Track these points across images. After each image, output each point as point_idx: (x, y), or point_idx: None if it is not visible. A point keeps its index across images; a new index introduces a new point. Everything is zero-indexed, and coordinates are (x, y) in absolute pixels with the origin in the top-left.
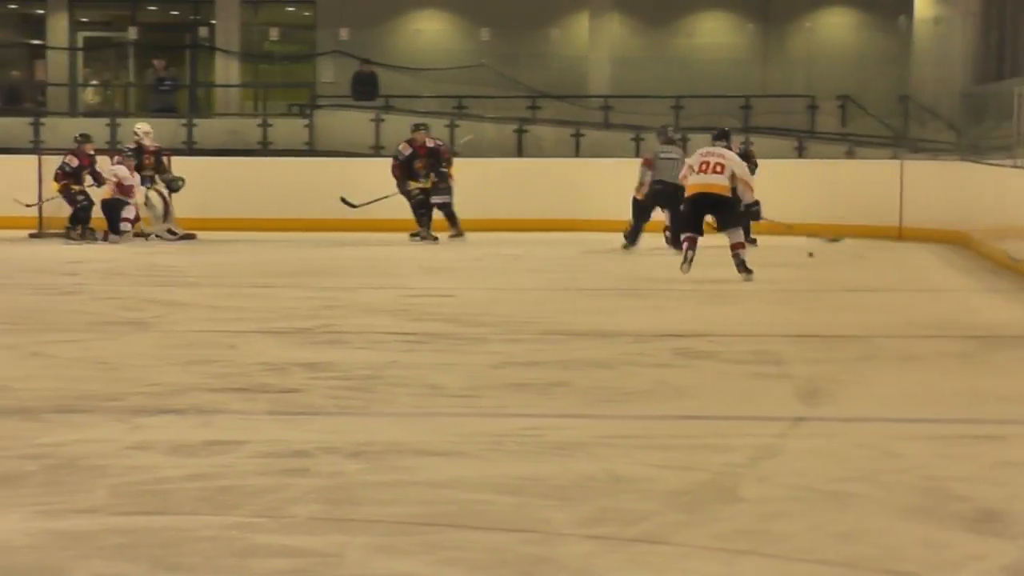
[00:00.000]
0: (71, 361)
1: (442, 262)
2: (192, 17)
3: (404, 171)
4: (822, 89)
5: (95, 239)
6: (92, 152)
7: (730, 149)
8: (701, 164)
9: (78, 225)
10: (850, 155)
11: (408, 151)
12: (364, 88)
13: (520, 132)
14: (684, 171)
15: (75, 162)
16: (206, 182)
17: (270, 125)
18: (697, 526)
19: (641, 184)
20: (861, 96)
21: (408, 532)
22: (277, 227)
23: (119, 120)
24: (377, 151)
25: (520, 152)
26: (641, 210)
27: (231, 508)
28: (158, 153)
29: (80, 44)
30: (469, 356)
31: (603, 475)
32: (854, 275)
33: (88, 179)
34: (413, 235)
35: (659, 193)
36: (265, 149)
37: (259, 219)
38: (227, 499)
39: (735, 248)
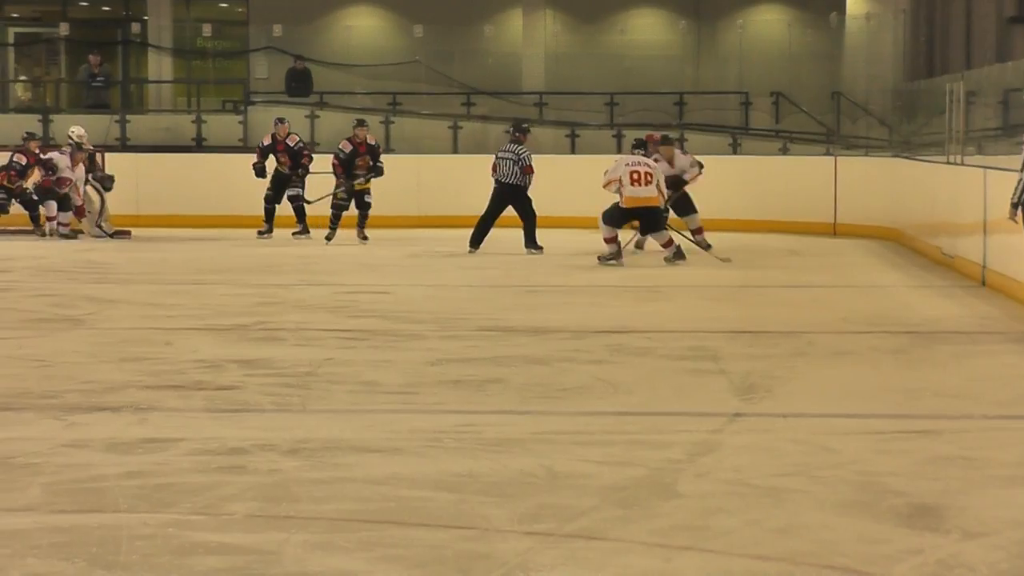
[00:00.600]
0: (4, 359)
1: (378, 259)
2: (124, 13)
3: (346, 168)
4: (755, 86)
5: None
6: (37, 150)
7: (647, 156)
8: (632, 175)
9: None
10: (784, 151)
11: (349, 148)
12: (298, 84)
13: (455, 129)
14: (610, 180)
15: (24, 160)
16: (140, 179)
17: (204, 121)
18: (635, 522)
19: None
20: (794, 93)
21: (346, 529)
22: (212, 223)
23: (51, 116)
24: (312, 147)
25: (455, 149)
26: (488, 211)
27: (168, 506)
28: (91, 155)
29: (10, 40)
30: (405, 353)
31: (540, 471)
32: (788, 271)
33: (36, 174)
34: (296, 233)
35: (496, 192)
36: (199, 145)
37: (193, 215)
38: (164, 497)
39: (667, 245)
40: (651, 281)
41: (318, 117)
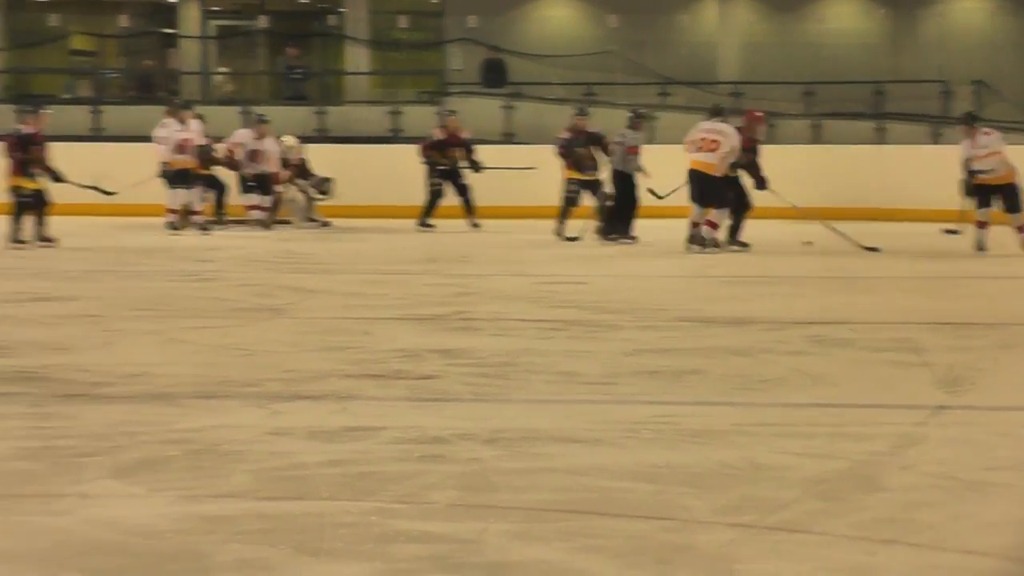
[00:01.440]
0: (209, 347)
1: (573, 249)
2: (321, 5)
3: (572, 158)
4: (955, 74)
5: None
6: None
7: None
8: (701, 139)
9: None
10: None
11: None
12: (493, 75)
13: (650, 119)
14: (689, 140)
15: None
16: (337, 169)
17: (399, 113)
18: (838, 515)
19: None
20: (996, 81)
21: (546, 519)
22: (408, 214)
23: (251, 108)
24: (507, 138)
25: (651, 139)
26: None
27: (370, 494)
28: (302, 162)
29: (212, 33)
30: (603, 343)
31: (741, 463)
32: (991, 262)
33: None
34: (475, 225)
35: (615, 180)
36: (395, 136)
37: (390, 206)
38: (366, 485)
39: (697, 225)
40: (851, 271)
41: (512, 108)
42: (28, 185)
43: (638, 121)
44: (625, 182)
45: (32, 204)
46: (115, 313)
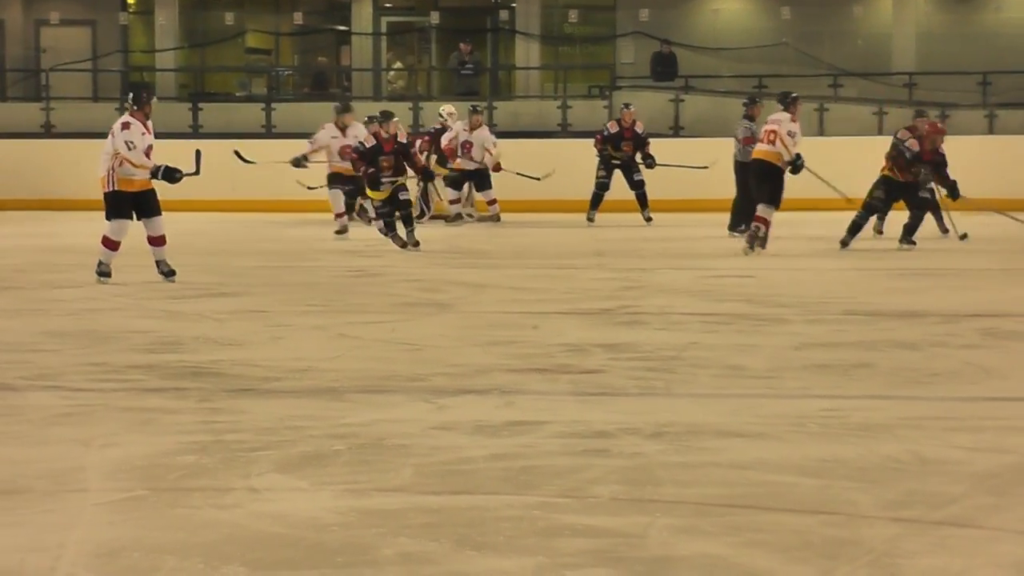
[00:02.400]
0: (376, 342)
1: (740, 242)
2: (493, 1)
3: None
4: None
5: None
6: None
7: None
8: (764, 132)
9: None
10: None
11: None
12: (663, 69)
13: (821, 111)
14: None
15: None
16: (521, 165)
17: (569, 107)
18: (1009, 510)
19: None
20: None
21: (710, 513)
22: (577, 208)
23: (422, 104)
24: (676, 131)
25: (821, 131)
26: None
27: (533, 488)
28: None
29: (384, 29)
30: (770, 337)
31: (908, 457)
32: None
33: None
34: (648, 219)
35: (736, 171)
36: (564, 131)
37: (558, 200)
38: (529, 479)
39: (755, 220)
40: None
41: (683, 101)
42: (381, 196)
43: (750, 107)
44: (742, 173)
45: (392, 211)
46: (283, 308)
